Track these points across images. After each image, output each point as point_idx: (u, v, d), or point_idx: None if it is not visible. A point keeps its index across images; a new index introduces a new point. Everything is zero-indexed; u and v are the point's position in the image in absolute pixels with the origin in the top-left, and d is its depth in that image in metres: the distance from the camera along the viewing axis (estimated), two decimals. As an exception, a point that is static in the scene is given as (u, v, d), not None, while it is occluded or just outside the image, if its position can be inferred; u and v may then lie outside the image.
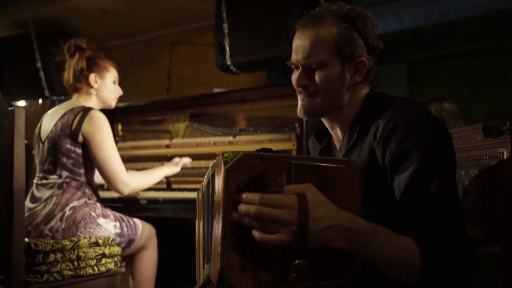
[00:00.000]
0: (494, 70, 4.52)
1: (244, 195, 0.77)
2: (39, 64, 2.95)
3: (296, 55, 1.04)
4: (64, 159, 1.82)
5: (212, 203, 0.88)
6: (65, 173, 1.83)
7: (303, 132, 2.01)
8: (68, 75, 1.95)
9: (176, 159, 2.23)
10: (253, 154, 0.78)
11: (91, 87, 1.94)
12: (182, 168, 2.28)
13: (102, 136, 1.81)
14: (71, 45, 1.96)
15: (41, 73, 2.96)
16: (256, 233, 0.76)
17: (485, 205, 1.24)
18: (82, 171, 1.86)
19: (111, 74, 2.00)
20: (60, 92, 3.00)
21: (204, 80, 3.07)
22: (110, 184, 1.86)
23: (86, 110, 1.85)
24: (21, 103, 3.38)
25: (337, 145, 1.12)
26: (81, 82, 1.94)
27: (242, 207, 0.76)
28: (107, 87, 1.98)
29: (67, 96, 3.10)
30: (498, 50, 4.46)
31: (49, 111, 2.00)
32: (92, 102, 1.97)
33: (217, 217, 0.81)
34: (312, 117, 1.08)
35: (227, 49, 2.21)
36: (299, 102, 1.07)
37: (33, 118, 3.61)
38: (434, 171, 0.90)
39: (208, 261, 0.92)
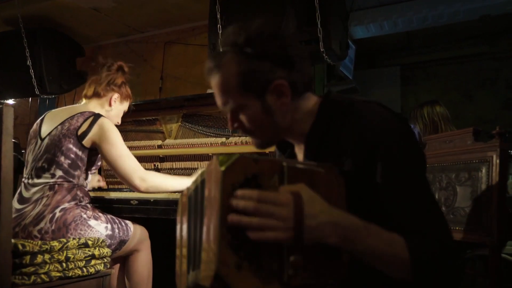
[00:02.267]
0: (486, 75, 4.57)
1: (240, 192, 0.78)
2: (29, 62, 2.91)
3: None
4: (62, 158, 1.81)
5: (201, 208, 0.88)
6: (59, 173, 1.81)
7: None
8: (95, 78, 2.01)
9: None
10: (248, 157, 0.81)
11: (109, 104, 2.02)
12: (174, 169, 2.28)
13: (114, 137, 1.85)
14: (114, 64, 2.06)
15: (32, 71, 2.92)
16: (251, 233, 0.77)
17: (475, 208, 1.25)
18: (76, 173, 1.84)
19: (127, 104, 2.11)
20: (50, 90, 2.97)
21: (198, 80, 3.06)
22: (126, 181, 1.85)
23: (97, 116, 1.88)
24: (10, 101, 3.35)
25: (299, 156, 1.08)
26: (104, 93, 2.00)
27: (240, 203, 0.77)
28: (118, 111, 2.07)
29: (58, 95, 3.07)
30: (491, 55, 4.51)
31: (53, 110, 2.01)
32: (101, 112, 1.99)
33: (210, 218, 0.81)
34: (267, 148, 1.07)
35: (221, 49, 2.20)
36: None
37: (22, 116, 3.58)
38: (408, 176, 0.89)
39: (194, 268, 0.90)
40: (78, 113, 1.89)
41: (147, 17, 3.07)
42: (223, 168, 0.79)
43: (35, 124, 1.98)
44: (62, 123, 1.87)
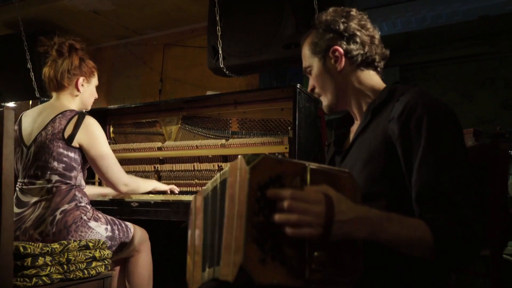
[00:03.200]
0: (485, 75, 4.57)
1: (272, 191, 0.82)
2: (29, 65, 2.92)
3: None
4: (55, 164, 1.79)
5: (221, 206, 0.93)
6: (55, 177, 1.79)
7: (296, 135, 2.01)
8: (53, 72, 1.91)
9: (171, 186, 2.29)
10: (273, 157, 0.85)
11: (78, 89, 1.94)
12: (174, 171, 2.30)
13: (100, 141, 1.85)
14: (64, 43, 1.93)
15: (32, 74, 2.93)
16: (288, 228, 0.80)
17: (475, 209, 1.25)
18: (73, 174, 1.83)
19: (96, 79, 2.03)
20: (50, 93, 2.97)
21: (197, 82, 3.06)
22: (109, 185, 1.93)
23: (81, 116, 1.84)
24: (11, 104, 3.35)
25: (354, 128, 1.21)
26: (67, 82, 1.91)
27: (279, 203, 0.81)
28: (90, 91, 2.00)
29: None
30: (490, 55, 4.51)
31: (27, 113, 1.94)
32: (74, 103, 1.95)
33: (235, 215, 0.85)
34: (332, 112, 1.23)
35: (220, 51, 2.21)
36: None
37: (24, 119, 3.58)
38: (446, 151, 0.95)
39: (211, 265, 0.94)
40: (58, 114, 1.83)
41: (147, 19, 3.08)
42: (250, 167, 0.82)
43: (14, 132, 1.93)
44: (45, 128, 1.81)
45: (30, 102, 3.54)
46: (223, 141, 2.33)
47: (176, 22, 3.11)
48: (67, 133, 1.80)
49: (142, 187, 2.08)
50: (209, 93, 2.75)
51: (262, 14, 2.11)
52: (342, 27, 1.15)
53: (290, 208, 0.80)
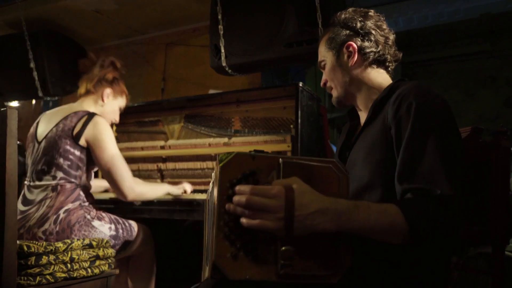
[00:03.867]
0: (487, 73, 4.56)
1: (237, 187, 0.84)
2: (32, 65, 2.92)
3: None
4: (61, 160, 1.80)
5: (211, 204, 0.96)
6: (60, 174, 1.81)
7: (298, 134, 2.02)
8: (88, 81, 2.00)
9: (183, 185, 2.20)
10: (245, 154, 0.86)
11: (102, 99, 1.99)
12: (177, 169, 2.30)
13: (107, 141, 1.83)
14: (106, 60, 2.04)
15: (35, 74, 2.93)
16: (243, 220, 0.82)
17: (477, 206, 1.25)
18: (77, 173, 1.84)
19: (122, 100, 2.08)
20: (53, 92, 2.98)
21: (199, 81, 3.07)
22: (115, 188, 1.84)
23: (91, 115, 1.86)
24: (14, 103, 3.36)
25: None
26: (96, 89, 1.99)
27: (235, 198, 0.83)
28: (113, 107, 2.04)
29: (61, 97, 3.08)
30: (491, 53, 4.50)
31: (48, 112, 2.00)
32: (95, 110, 1.97)
33: (210, 213, 0.87)
34: (342, 106, 1.26)
35: (222, 50, 2.21)
36: None
37: (26, 119, 3.59)
38: (431, 134, 0.95)
39: (207, 262, 0.96)
40: (72, 113, 1.87)
41: (149, 18, 3.08)
42: (220, 165, 0.84)
43: (32, 127, 1.97)
44: (56, 125, 1.85)
45: (33, 101, 3.56)
46: (226, 139, 2.33)
47: (178, 21, 3.11)
48: (75, 131, 1.82)
49: (151, 191, 1.98)
50: (211, 91, 2.76)
51: (264, 13, 2.11)
52: (359, 25, 1.19)
53: (248, 203, 0.81)
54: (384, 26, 1.22)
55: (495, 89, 4.51)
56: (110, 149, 1.82)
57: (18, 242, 1.39)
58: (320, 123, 2.28)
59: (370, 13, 1.22)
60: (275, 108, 2.27)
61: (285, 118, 2.23)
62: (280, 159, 0.86)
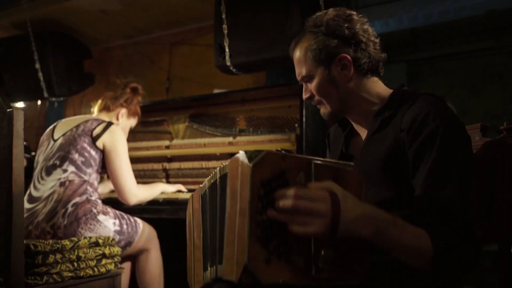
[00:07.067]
0: (493, 70, 4.53)
1: (280, 191, 0.81)
2: (37, 65, 2.94)
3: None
4: (76, 155, 1.89)
5: (222, 203, 0.90)
6: (71, 168, 1.87)
7: (303, 133, 2.01)
8: (109, 99, 2.15)
9: (176, 185, 2.34)
10: (276, 153, 0.83)
11: (117, 118, 2.15)
12: (182, 169, 2.36)
13: (120, 148, 1.95)
14: (130, 84, 2.20)
15: (40, 74, 2.95)
16: (293, 227, 0.79)
17: (483, 204, 1.25)
18: (88, 170, 1.91)
19: (134, 121, 2.24)
20: (59, 93, 3.00)
21: (204, 80, 3.07)
22: (120, 193, 1.97)
23: (110, 123, 2.00)
24: (20, 104, 3.38)
25: (362, 134, 1.19)
26: (113, 108, 2.14)
27: (281, 202, 0.80)
28: (125, 126, 2.19)
29: (66, 97, 3.12)
30: (497, 50, 4.46)
31: (66, 119, 2.13)
32: None
33: (237, 213, 0.82)
34: (334, 119, 1.20)
35: (227, 49, 2.21)
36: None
37: (32, 119, 3.61)
38: (454, 166, 0.96)
39: (213, 264, 0.92)
40: (92, 119, 2.00)
41: (153, 18, 3.09)
42: (252, 164, 0.80)
43: (48, 129, 2.08)
44: (77, 126, 1.97)
45: (39, 102, 3.57)
46: (231, 138, 2.34)
47: (183, 20, 3.12)
48: (95, 132, 1.94)
49: (151, 194, 2.13)
50: (216, 91, 2.76)
51: (268, 12, 2.11)
52: (347, 32, 1.10)
53: (295, 207, 0.79)
54: (369, 28, 1.14)
55: (502, 86, 4.47)
56: (122, 158, 1.95)
57: (25, 241, 1.40)
58: (325, 122, 2.27)
59: (354, 16, 1.12)
60: (280, 107, 2.27)
61: (290, 117, 2.23)
62: (312, 160, 0.84)
